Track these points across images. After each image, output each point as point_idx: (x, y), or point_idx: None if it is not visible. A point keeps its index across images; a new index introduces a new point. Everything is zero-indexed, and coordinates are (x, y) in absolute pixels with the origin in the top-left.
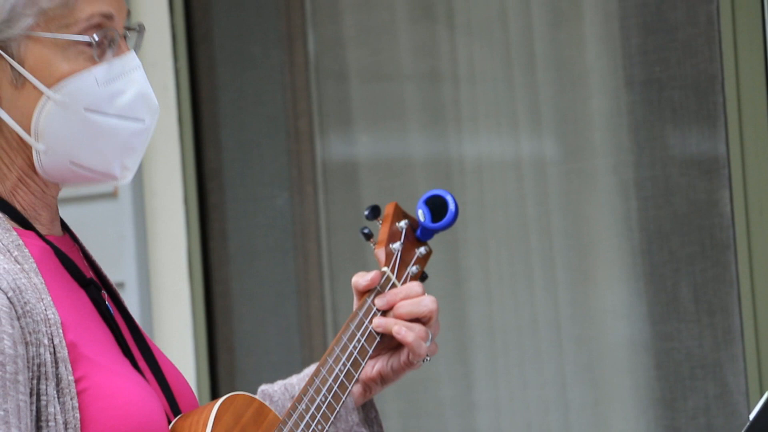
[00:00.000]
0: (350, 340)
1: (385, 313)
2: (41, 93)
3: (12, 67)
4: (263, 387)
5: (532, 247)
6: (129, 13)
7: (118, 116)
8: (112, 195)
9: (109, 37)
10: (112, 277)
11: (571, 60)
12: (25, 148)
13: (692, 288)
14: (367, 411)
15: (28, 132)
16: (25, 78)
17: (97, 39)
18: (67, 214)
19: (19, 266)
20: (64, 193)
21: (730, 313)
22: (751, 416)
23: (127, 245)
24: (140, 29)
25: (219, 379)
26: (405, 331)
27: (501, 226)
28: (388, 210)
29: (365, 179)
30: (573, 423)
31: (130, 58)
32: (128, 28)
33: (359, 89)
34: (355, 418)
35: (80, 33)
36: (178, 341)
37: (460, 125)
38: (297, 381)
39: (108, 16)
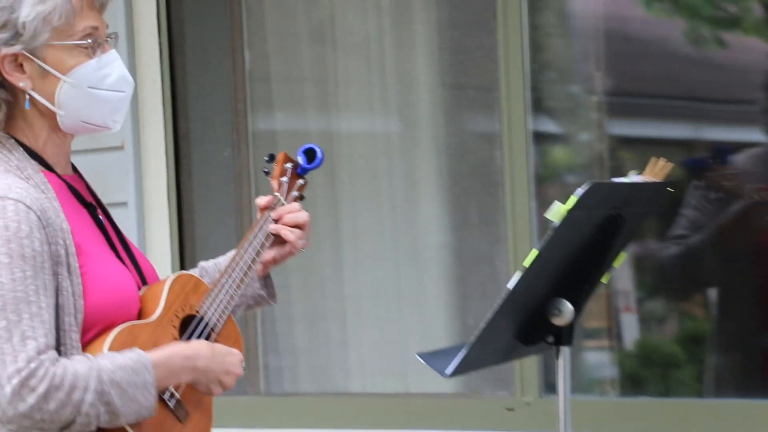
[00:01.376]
0: (255, 237)
1: (276, 221)
2: (59, 79)
3: (38, 65)
4: (201, 263)
5: (381, 183)
6: (107, 26)
7: (108, 90)
8: (121, 148)
9: (96, 41)
10: (119, 199)
11: (408, 70)
12: (51, 115)
13: (477, 210)
14: (266, 279)
15: (53, 104)
16: (47, 71)
17: (90, 42)
18: (89, 160)
19: (44, 195)
20: (90, 145)
21: (499, 226)
22: (509, 285)
23: (129, 179)
24: (115, 36)
25: (185, 267)
26: (288, 233)
27: (364, 172)
28: (279, 156)
29: (279, 142)
30: (403, 291)
31: (112, 53)
32: (108, 36)
33: (277, 86)
34: (257, 285)
35: (79, 39)
36: (160, 240)
37: (339, 110)
38: (222, 260)
39: (95, 28)
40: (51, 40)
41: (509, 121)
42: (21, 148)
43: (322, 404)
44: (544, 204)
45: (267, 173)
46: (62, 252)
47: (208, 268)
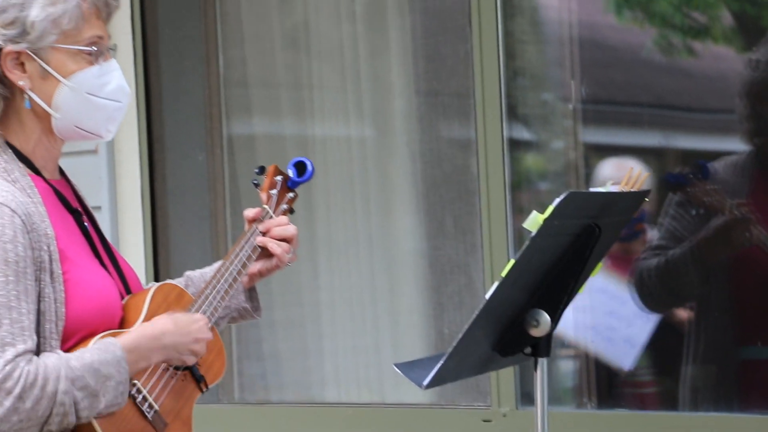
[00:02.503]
0: (241, 249)
1: (264, 234)
2: (59, 82)
3: (40, 66)
4: (188, 272)
5: (356, 189)
6: (110, 37)
7: (106, 98)
8: (94, 152)
9: (100, 49)
10: (92, 203)
11: (382, 77)
12: (46, 117)
13: (452, 218)
14: (251, 292)
15: (50, 106)
16: (48, 72)
17: (95, 50)
18: (64, 164)
19: (30, 199)
20: (64, 149)
21: (475, 234)
22: (486, 296)
23: (103, 183)
24: (115, 48)
25: (159, 272)
26: (275, 246)
27: (338, 178)
28: (269, 169)
29: (254, 147)
30: (378, 299)
31: (113, 63)
32: (109, 50)
33: (251, 91)
34: (242, 297)
35: (84, 46)
36: (134, 244)
37: (314, 116)
38: (208, 270)
39: (100, 37)
40: (56, 42)
41: (485, 128)
42: (10, 150)
43: (297, 413)
44: (517, 211)
45: (256, 185)
46: (45, 258)
47: (194, 278)
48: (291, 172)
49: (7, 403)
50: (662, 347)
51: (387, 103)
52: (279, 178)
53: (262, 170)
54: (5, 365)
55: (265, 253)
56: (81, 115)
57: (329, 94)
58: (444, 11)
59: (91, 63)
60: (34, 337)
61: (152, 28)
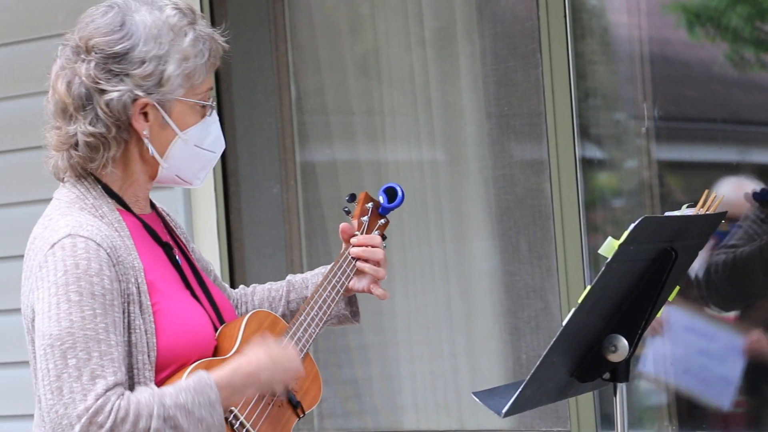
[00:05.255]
0: (335, 274)
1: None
2: (175, 134)
3: (162, 116)
4: (289, 276)
5: (430, 215)
6: (211, 88)
7: (206, 150)
8: (171, 187)
9: (211, 102)
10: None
11: (453, 102)
12: (154, 164)
13: (527, 242)
14: (350, 298)
15: (162, 156)
16: (167, 124)
17: (210, 103)
18: None
19: (117, 233)
20: None
21: (550, 257)
22: (563, 323)
23: (180, 217)
24: (215, 98)
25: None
26: (368, 267)
27: (412, 204)
28: (360, 196)
29: (327, 176)
30: (454, 325)
31: (215, 114)
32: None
33: (323, 120)
34: (342, 304)
35: (201, 99)
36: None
37: (386, 142)
38: (310, 276)
39: (211, 89)
40: (183, 95)
41: (557, 149)
42: (99, 186)
43: None
44: (591, 231)
45: (347, 212)
46: (134, 290)
47: (296, 283)
48: (382, 199)
49: None
50: (746, 366)
51: (458, 127)
52: (370, 204)
53: (352, 197)
54: (97, 399)
55: (357, 273)
56: (185, 164)
57: (401, 120)
58: (513, 35)
59: (203, 116)
60: (124, 370)
61: (224, 62)
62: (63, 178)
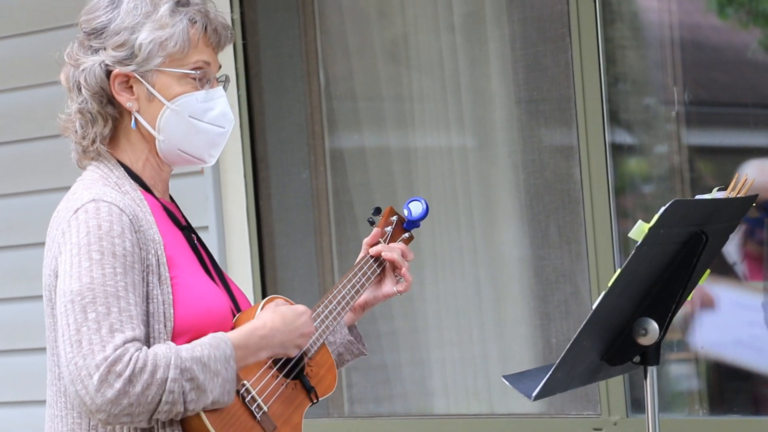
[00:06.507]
0: (355, 275)
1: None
2: (163, 105)
3: (147, 88)
4: None
5: (459, 200)
6: (220, 67)
7: (209, 123)
8: (200, 173)
9: (206, 75)
10: (199, 223)
11: (482, 87)
12: (152, 139)
13: (557, 227)
14: (352, 329)
15: (154, 128)
16: (153, 95)
17: (198, 74)
18: (172, 185)
19: (139, 208)
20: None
21: (580, 242)
22: (593, 306)
23: (210, 203)
24: (226, 79)
25: (266, 289)
26: (390, 254)
27: (441, 189)
28: (385, 210)
29: (356, 162)
30: (484, 310)
31: (219, 90)
32: (218, 78)
33: (352, 106)
34: (345, 331)
35: (189, 70)
36: (241, 262)
37: (415, 128)
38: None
39: (206, 62)
40: (162, 65)
41: (587, 134)
42: (122, 168)
43: (407, 426)
44: (621, 216)
45: (372, 224)
46: (153, 261)
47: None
48: (406, 212)
49: (118, 385)
50: None
51: (488, 113)
52: (394, 218)
53: (378, 211)
54: (115, 349)
55: (376, 279)
56: (183, 138)
57: (430, 105)
58: (543, 19)
59: (197, 88)
60: (142, 327)
61: (253, 48)
62: (84, 166)
